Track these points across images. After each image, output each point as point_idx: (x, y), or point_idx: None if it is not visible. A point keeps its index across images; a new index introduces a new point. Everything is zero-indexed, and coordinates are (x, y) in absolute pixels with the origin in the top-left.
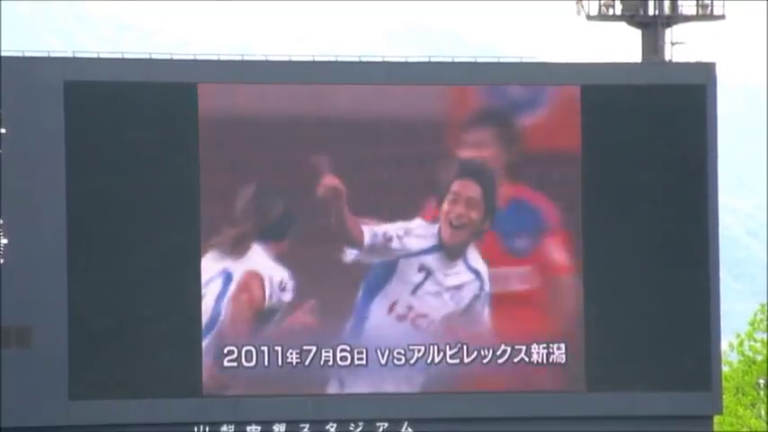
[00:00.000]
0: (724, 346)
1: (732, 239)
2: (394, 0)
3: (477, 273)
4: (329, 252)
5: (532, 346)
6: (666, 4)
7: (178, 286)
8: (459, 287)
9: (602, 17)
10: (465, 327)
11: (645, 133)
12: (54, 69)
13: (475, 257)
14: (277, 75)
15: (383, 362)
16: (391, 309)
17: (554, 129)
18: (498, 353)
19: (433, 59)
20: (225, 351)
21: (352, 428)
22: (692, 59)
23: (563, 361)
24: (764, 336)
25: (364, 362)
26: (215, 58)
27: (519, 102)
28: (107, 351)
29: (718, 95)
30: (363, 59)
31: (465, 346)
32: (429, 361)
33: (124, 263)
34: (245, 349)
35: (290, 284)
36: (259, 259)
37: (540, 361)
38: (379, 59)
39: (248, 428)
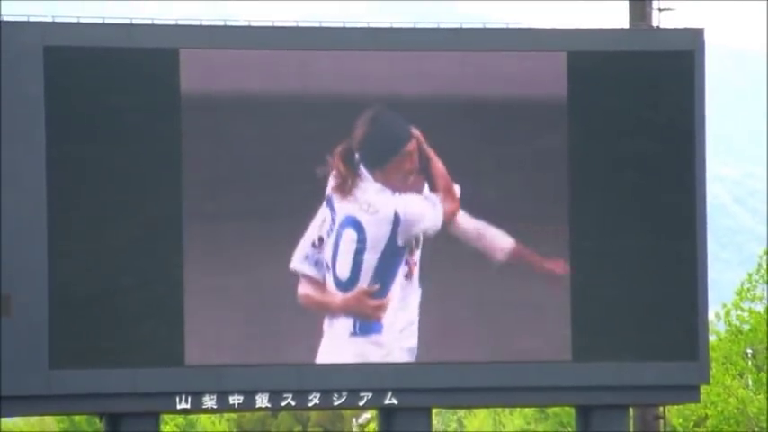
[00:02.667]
0: (711, 315)
1: (719, 208)
2: None
3: None
4: None
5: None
6: None
7: (160, 254)
8: None
9: None
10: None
11: (632, 100)
12: (34, 34)
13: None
14: (260, 40)
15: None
16: None
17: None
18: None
19: (418, 25)
20: None
21: (335, 398)
22: (681, 25)
23: (549, 330)
24: (752, 305)
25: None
26: (197, 23)
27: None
28: (88, 320)
29: (707, 60)
30: (348, 25)
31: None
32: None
33: (105, 230)
34: None
35: None
36: None
37: (525, 330)
38: (364, 25)
39: (231, 398)
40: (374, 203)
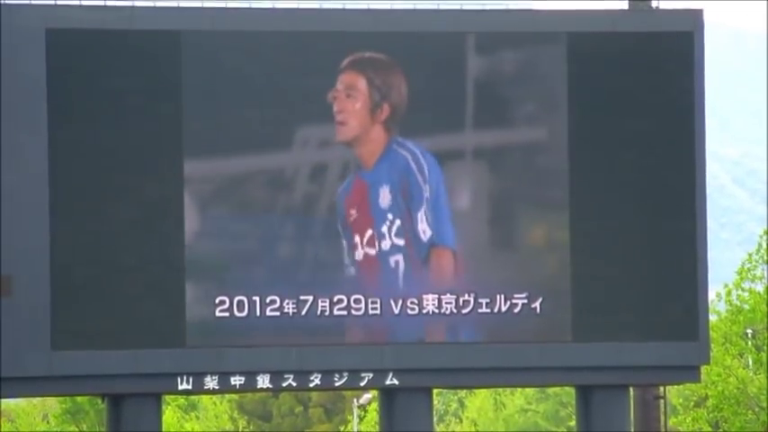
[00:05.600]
0: (711, 295)
1: (719, 188)
2: None
3: None
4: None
5: (517, 296)
6: None
7: (162, 235)
8: None
9: None
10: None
11: (631, 81)
12: (35, 16)
13: None
14: (261, 22)
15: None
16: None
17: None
18: (482, 302)
19: (418, 7)
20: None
21: (336, 379)
22: (680, 6)
23: (548, 311)
24: (752, 285)
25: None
26: (198, 4)
27: None
28: (90, 301)
29: (706, 40)
30: (347, 7)
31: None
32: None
33: (107, 211)
34: None
35: None
36: None
37: (524, 311)
38: (364, 7)
39: (232, 379)
40: None
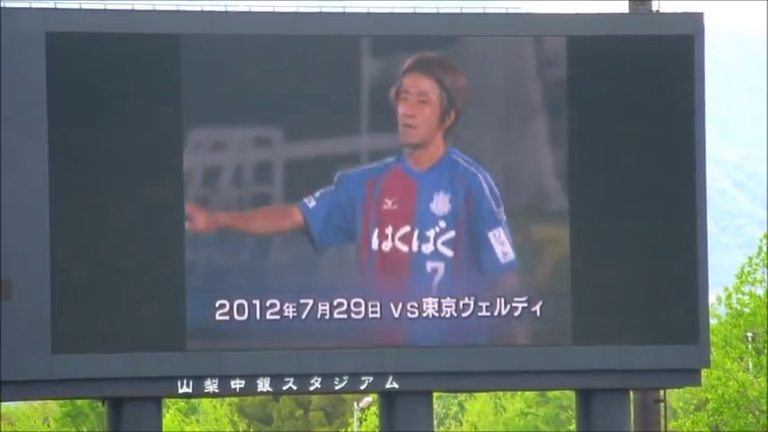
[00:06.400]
0: (712, 298)
1: (719, 191)
2: None
3: None
4: None
5: (516, 299)
6: None
7: (162, 239)
8: None
9: None
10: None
11: (631, 84)
12: (35, 20)
13: None
14: (261, 26)
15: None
16: None
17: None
18: (483, 305)
19: (417, 10)
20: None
21: (336, 382)
22: (680, 9)
23: (549, 314)
24: (752, 288)
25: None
26: (198, 8)
27: None
28: (90, 304)
29: (706, 43)
30: (348, 11)
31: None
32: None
33: (107, 215)
34: None
35: None
36: None
37: (524, 314)
38: (364, 11)
39: (232, 383)
40: None
